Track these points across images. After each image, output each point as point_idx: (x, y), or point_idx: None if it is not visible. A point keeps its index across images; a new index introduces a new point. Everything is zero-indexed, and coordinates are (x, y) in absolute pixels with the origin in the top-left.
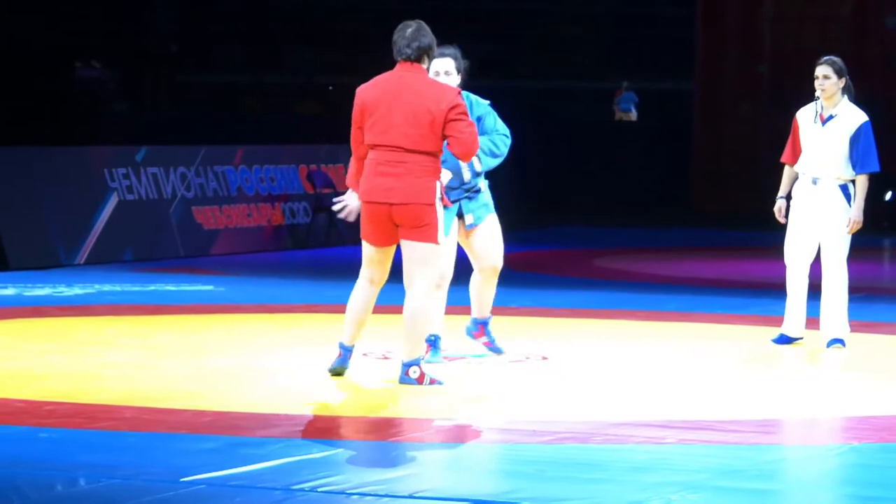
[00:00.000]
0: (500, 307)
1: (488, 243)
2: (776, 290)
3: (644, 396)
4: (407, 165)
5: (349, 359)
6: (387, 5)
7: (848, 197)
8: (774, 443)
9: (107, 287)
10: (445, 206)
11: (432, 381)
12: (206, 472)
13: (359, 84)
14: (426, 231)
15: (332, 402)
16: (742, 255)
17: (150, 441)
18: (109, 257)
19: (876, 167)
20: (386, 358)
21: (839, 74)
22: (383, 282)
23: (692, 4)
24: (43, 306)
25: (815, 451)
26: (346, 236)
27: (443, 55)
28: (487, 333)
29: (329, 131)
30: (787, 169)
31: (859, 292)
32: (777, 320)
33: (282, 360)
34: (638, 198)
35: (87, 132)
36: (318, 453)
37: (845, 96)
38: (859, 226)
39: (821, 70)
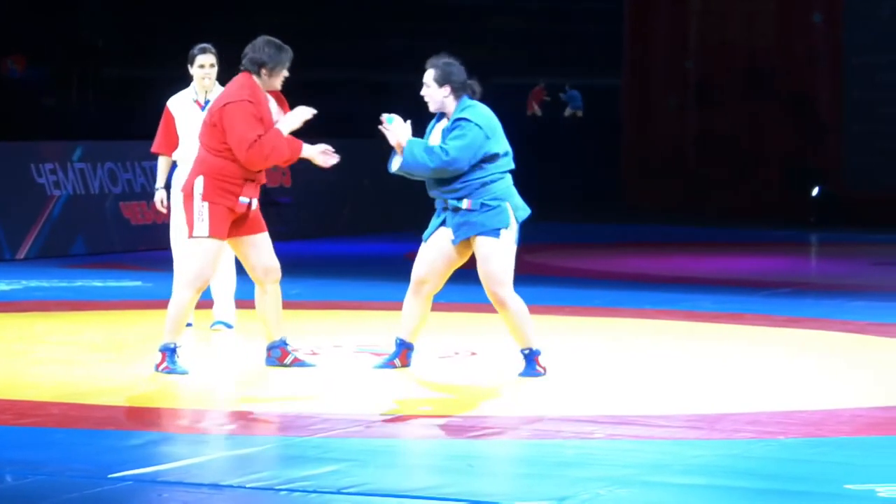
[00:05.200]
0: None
1: (479, 267)
2: (704, 284)
3: (572, 392)
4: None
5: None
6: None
7: None
8: (701, 438)
9: (34, 283)
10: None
11: (165, 369)
12: (133, 469)
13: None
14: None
15: (260, 398)
16: (670, 250)
17: (77, 437)
18: (51, 253)
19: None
20: (314, 353)
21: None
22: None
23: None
24: None
25: (743, 445)
26: (275, 231)
27: (429, 66)
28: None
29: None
30: (162, 159)
31: (786, 287)
32: (703, 315)
33: (209, 355)
34: (568, 193)
35: (15, 127)
36: (246, 449)
37: (216, 82)
38: None
39: (207, 59)
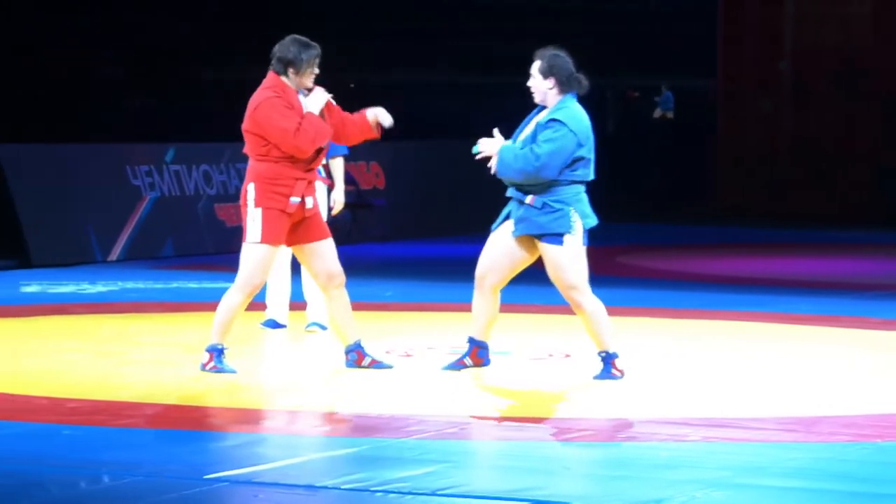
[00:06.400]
0: (524, 304)
1: (549, 273)
2: (797, 287)
3: (667, 394)
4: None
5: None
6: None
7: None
8: (797, 440)
9: (130, 284)
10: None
11: (213, 368)
12: (229, 469)
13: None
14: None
15: (357, 399)
16: (763, 251)
17: (173, 438)
18: (141, 254)
19: (345, 151)
20: (408, 355)
21: None
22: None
23: (713, 2)
24: (66, 304)
25: (838, 448)
26: (369, 233)
27: (536, 57)
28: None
29: None
30: None
31: (881, 289)
32: (797, 318)
33: (303, 356)
34: (661, 194)
35: (104, 128)
36: (342, 450)
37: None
38: (341, 205)
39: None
